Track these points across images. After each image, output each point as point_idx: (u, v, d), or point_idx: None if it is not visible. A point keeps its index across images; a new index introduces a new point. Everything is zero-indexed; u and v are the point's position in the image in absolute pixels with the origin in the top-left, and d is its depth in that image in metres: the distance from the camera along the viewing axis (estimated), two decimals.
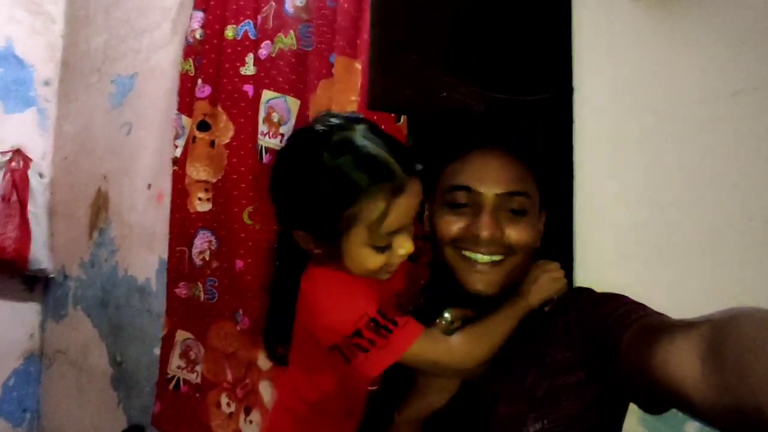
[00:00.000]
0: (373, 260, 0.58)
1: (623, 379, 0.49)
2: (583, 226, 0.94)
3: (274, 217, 0.68)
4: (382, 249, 0.57)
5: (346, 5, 1.21)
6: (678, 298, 0.81)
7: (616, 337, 0.50)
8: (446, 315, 0.57)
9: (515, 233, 0.59)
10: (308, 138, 0.60)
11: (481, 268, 0.59)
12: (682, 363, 0.39)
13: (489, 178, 0.60)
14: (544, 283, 0.60)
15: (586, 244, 0.93)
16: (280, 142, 1.40)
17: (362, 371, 0.60)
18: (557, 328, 0.59)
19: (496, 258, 0.59)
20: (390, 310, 0.60)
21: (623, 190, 0.90)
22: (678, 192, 0.82)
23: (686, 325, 0.42)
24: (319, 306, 0.61)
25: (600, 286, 0.87)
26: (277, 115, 1.40)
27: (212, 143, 1.55)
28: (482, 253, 0.58)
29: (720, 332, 0.37)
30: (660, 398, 0.45)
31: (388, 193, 0.54)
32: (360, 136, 0.56)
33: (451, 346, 0.58)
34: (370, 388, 0.71)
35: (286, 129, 1.39)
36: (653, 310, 0.53)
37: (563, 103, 0.98)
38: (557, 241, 0.97)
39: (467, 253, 0.59)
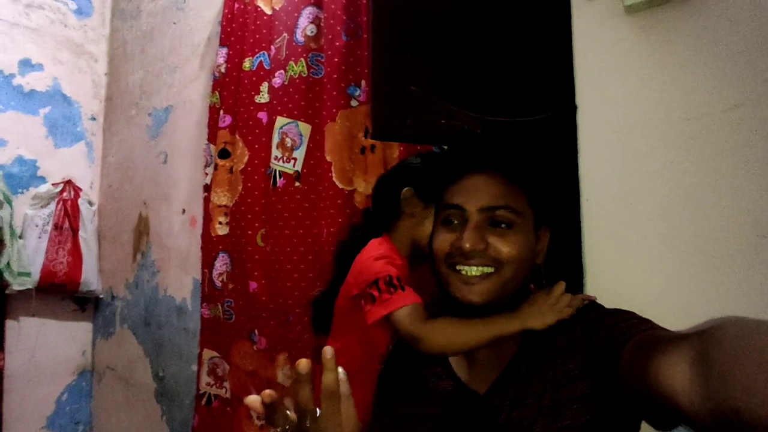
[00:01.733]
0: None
1: (625, 392, 0.50)
2: (591, 243, 0.95)
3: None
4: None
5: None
6: (682, 309, 0.81)
7: (617, 350, 0.51)
8: None
9: (501, 245, 0.60)
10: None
11: (471, 280, 0.61)
12: (672, 373, 0.41)
13: (475, 196, 0.63)
14: (542, 309, 0.61)
15: (596, 261, 0.94)
16: (293, 166, 1.47)
17: (366, 318, 0.74)
18: (564, 341, 0.60)
19: (486, 270, 0.60)
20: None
21: (629, 206, 0.90)
22: (683, 207, 0.83)
23: (678, 336, 0.44)
24: (363, 258, 0.82)
25: (610, 302, 0.88)
26: (290, 141, 1.48)
27: (231, 170, 1.65)
28: (471, 266, 0.60)
29: (707, 341, 0.39)
30: (659, 410, 0.46)
31: None
32: None
33: (427, 327, 0.67)
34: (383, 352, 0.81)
35: (299, 153, 1.46)
36: (655, 325, 0.54)
37: (567, 121, 0.99)
38: (568, 257, 0.99)
39: (459, 267, 0.61)
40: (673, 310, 0.82)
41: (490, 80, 1.04)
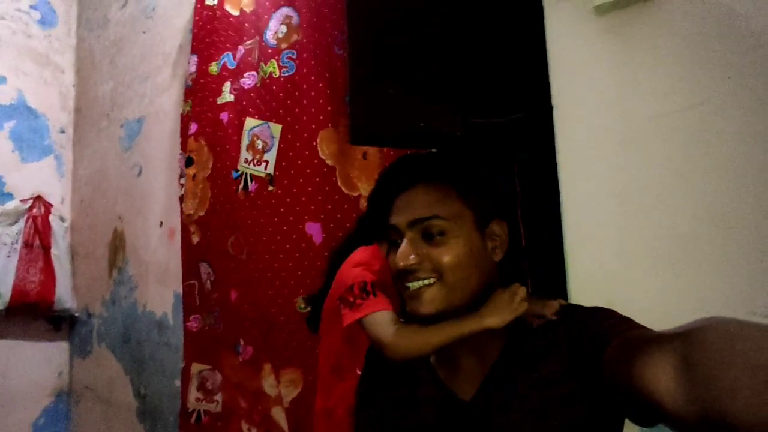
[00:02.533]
0: None
1: (609, 391, 0.51)
2: (572, 238, 0.97)
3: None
4: None
5: None
6: (661, 301, 0.83)
7: (601, 350, 0.52)
8: None
9: (437, 255, 0.60)
10: None
11: (417, 293, 0.61)
12: (657, 374, 0.41)
13: (404, 212, 0.63)
14: (498, 307, 0.62)
15: (577, 255, 0.96)
16: (265, 168, 1.44)
17: (342, 321, 0.79)
18: (547, 342, 0.60)
19: (427, 282, 0.61)
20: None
21: (606, 201, 0.92)
22: (656, 201, 0.85)
23: (662, 337, 0.44)
24: (345, 264, 0.87)
25: (591, 295, 0.90)
26: (261, 142, 1.46)
27: (193, 177, 1.62)
28: (414, 281, 0.61)
29: (691, 344, 0.39)
30: (642, 409, 0.47)
31: None
32: None
33: (392, 333, 0.70)
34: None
35: (270, 156, 1.43)
36: (637, 324, 0.54)
37: (544, 120, 1.01)
38: (548, 254, 1.00)
39: (407, 284, 0.62)
40: (651, 304, 0.85)
41: (468, 83, 1.05)
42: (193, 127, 1.64)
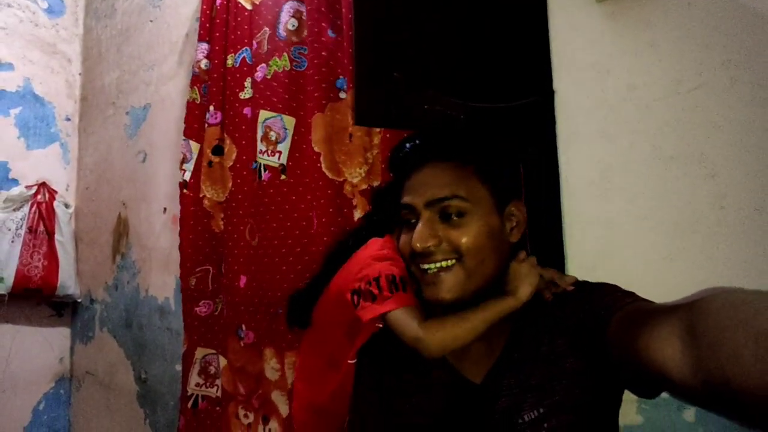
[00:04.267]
0: None
1: (613, 364, 0.51)
2: (571, 222, 0.99)
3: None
4: None
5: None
6: (660, 287, 0.84)
7: (604, 323, 0.52)
8: None
9: (456, 236, 0.58)
10: None
11: (435, 277, 0.59)
12: (663, 345, 0.41)
13: (420, 191, 0.61)
14: (523, 277, 0.61)
15: (575, 238, 0.98)
16: (278, 159, 1.47)
17: (361, 315, 0.72)
18: (553, 318, 0.60)
19: (446, 264, 0.59)
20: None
21: (606, 185, 0.94)
22: (656, 185, 0.87)
23: (666, 309, 0.45)
24: (365, 255, 0.79)
25: (589, 277, 0.92)
26: (274, 134, 1.48)
27: (212, 165, 1.65)
28: (431, 262, 0.59)
29: (696, 313, 0.40)
30: (647, 380, 0.48)
31: None
32: None
33: (423, 328, 0.64)
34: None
35: (284, 146, 1.46)
36: (640, 297, 0.55)
37: (546, 105, 1.03)
38: (548, 238, 1.02)
39: (423, 266, 0.60)
40: (650, 286, 0.86)
41: (471, 68, 1.07)
42: (218, 116, 1.65)
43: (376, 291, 0.72)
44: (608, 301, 0.55)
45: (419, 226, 0.59)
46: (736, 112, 0.80)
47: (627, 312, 0.51)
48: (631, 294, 0.56)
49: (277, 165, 1.48)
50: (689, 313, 0.40)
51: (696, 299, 0.41)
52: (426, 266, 0.60)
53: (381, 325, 0.75)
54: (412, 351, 0.64)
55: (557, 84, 1.00)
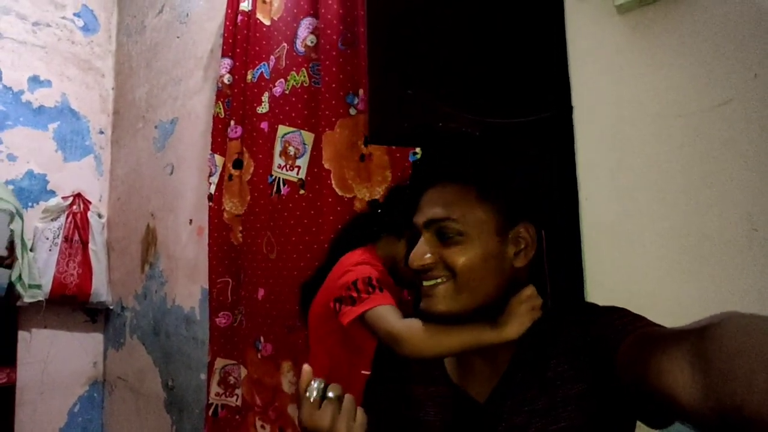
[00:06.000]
0: None
1: (622, 390, 0.50)
2: (591, 242, 0.96)
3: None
4: None
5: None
6: (679, 303, 0.81)
7: (613, 348, 0.51)
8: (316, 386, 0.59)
9: (451, 257, 0.59)
10: None
11: (431, 290, 0.61)
12: (673, 370, 0.40)
13: (423, 211, 0.63)
14: (521, 316, 0.60)
15: (595, 258, 0.95)
16: (297, 174, 1.48)
17: (342, 320, 0.77)
18: (560, 342, 0.59)
19: (441, 281, 0.60)
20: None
21: (627, 204, 0.91)
22: (676, 203, 0.83)
23: (677, 334, 0.43)
24: (345, 264, 0.86)
25: (610, 298, 0.89)
26: (293, 149, 1.50)
27: (230, 178, 1.68)
28: (429, 279, 0.61)
29: (707, 338, 0.39)
30: (657, 408, 0.46)
31: None
32: None
33: (406, 327, 0.67)
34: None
35: (302, 161, 1.47)
36: (650, 321, 0.53)
37: (564, 121, 1.00)
38: (567, 258, 0.99)
39: (422, 281, 0.62)
40: (670, 305, 0.82)
41: (487, 83, 1.05)
42: (238, 131, 1.69)
43: (354, 294, 0.77)
44: (618, 325, 0.54)
45: (418, 244, 0.62)
46: (765, 128, 0.75)
47: (637, 336, 0.50)
48: (642, 318, 0.54)
49: (296, 180, 1.49)
50: (700, 338, 0.40)
51: (707, 324, 0.40)
52: (425, 282, 0.62)
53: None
54: (419, 364, 0.65)
55: (576, 99, 0.98)
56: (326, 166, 1.35)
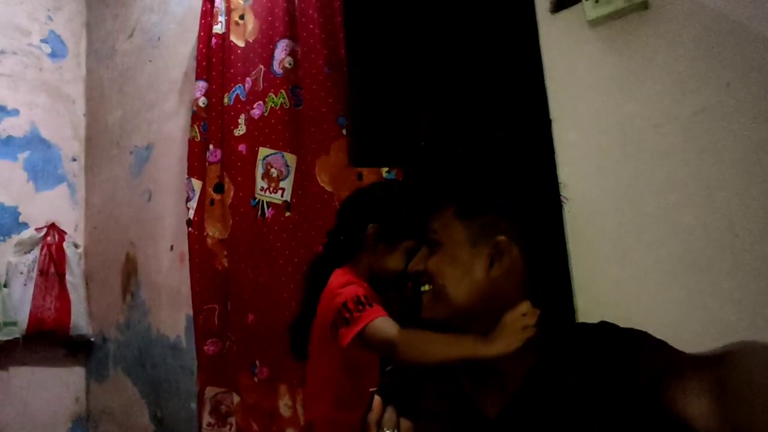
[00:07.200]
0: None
1: (640, 416, 0.50)
2: (576, 252, 0.96)
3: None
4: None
5: None
6: (667, 313, 0.82)
7: (633, 376, 0.51)
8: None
9: (430, 264, 0.65)
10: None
11: (422, 299, 0.66)
12: (691, 398, 0.41)
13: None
14: (512, 333, 0.60)
15: (582, 268, 0.96)
16: (282, 196, 1.47)
17: (341, 342, 0.79)
18: (577, 366, 0.58)
19: (427, 287, 0.65)
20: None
21: (610, 214, 0.92)
22: (657, 211, 0.84)
23: (697, 360, 0.44)
24: (330, 289, 0.89)
25: (598, 307, 0.89)
26: (276, 171, 1.48)
27: (212, 203, 1.66)
28: (420, 285, 0.66)
29: (726, 367, 0.40)
30: None
31: None
32: None
33: (402, 334, 0.73)
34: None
35: (287, 183, 1.46)
36: (670, 346, 0.53)
37: (543, 133, 1.01)
38: (554, 272, 1.00)
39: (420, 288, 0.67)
40: (655, 311, 0.83)
41: (466, 99, 1.06)
42: (217, 154, 1.66)
43: (347, 315, 0.80)
44: (637, 351, 0.53)
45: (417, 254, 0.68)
46: (740, 136, 0.77)
47: (657, 362, 0.50)
48: (662, 343, 0.54)
49: (280, 202, 1.47)
50: (720, 366, 0.40)
51: (726, 352, 0.41)
52: (420, 288, 0.66)
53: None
54: (432, 376, 0.67)
55: (554, 112, 0.99)
56: (328, 188, 1.35)
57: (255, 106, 1.54)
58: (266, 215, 1.49)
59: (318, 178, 1.35)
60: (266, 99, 1.51)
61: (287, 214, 1.46)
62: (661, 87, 0.85)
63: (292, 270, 1.43)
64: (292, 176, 1.46)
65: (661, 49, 0.86)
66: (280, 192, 1.47)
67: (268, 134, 1.49)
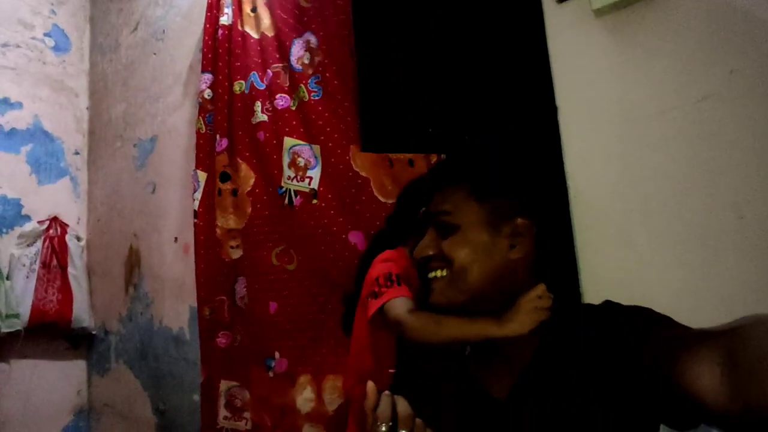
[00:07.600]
0: None
1: (647, 392, 0.50)
2: (582, 238, 0.98)
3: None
4: None
5: None
6: (673, 296, 0.83)
7: (639, 352, 0.51)
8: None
9: (445, 247, 0.62)
10: None
11: (432, 283, 0.64)
12: (702, 372, 0.41)
13: (431, 204, 0.67)
14: (527, 315, 0.61)
15: (588, 254, 0.97)
16: (309, 184, 1.50)
17: (367, 314, 0.85)
18: (582, 346, 0.58)
19: (440, 273, 0.63)
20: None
21: (616, 200, 0.93)
22: (662, 196, 0.86)
23: (705, 335, 0.44)
24: (374, 264, 0.94)
25: (605, 291, 0.91)
26: (303, 161, 1.51)
27: (234, 192, 1.65)
28: (430, 270, 0.64)
29: (736, 341, 0.39)
30: (682, 409, 0.46)
31: None
32: None
33: (410, 316, 0.76)
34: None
35: (314, 173, 1.49)
36: (676, 322, 0.53)
37: (549, 122, 1.03)
38: (561, 258, 1.01)
39: (427, 274, 0.65)
40: (662, 293, 0.85)
41: (475, 89, 1.07)
42: (224, 143, 1.67)
43: (376, 288, 0.85)
44: (642, 327, 0.53)
45: (422, 239, 0.65)
46: (745, 121, 0.79)
47: (664, 338, 0.50)
48: (667, 318, 0.54)
49: (308, 190, 1.49)
50: (730, 339, 0.40)
51: (736, 326, 0.41)
52: (429, 275, 0.64)
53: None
54: (444, 357, 0.68)
55: (560, 100, 1.00)
56: (363, 174, 1.38)
57: (278, 97, 1.56)
58: (294, 203, 1.50)
59: (353, 163, 1.39)
60: (293, 94, 1.53)
61: (314, 201, 1.48)
62: (665, 74, 0.87)
63: (318, 257, 1.45)
64: (320, 167, 1.48)
65: (664, 38, 0.87)
66: (307, 180, 1.49)
67: (295, 126, 1.51)
